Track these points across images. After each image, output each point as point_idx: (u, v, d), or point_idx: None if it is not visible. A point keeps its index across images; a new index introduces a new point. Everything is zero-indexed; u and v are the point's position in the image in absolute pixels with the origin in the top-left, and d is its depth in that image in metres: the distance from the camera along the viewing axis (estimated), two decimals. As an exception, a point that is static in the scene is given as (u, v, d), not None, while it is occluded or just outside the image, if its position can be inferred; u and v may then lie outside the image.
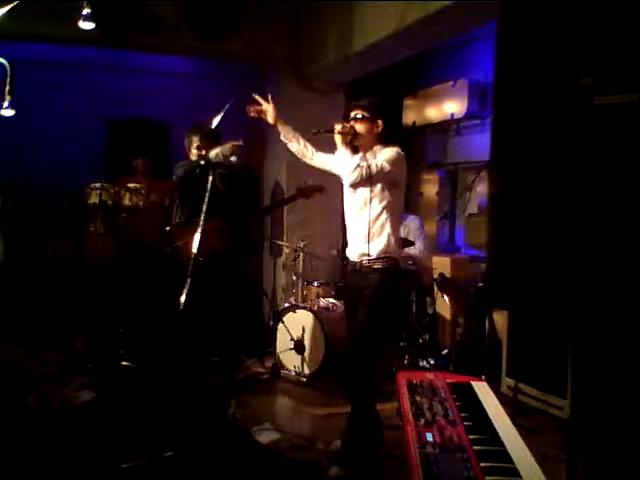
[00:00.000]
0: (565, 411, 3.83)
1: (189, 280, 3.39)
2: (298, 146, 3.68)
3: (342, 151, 3.37)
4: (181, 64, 6.39)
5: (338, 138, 3.37)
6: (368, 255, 3.38)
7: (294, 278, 5.54)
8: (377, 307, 3.38)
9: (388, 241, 3.37)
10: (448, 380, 1.99)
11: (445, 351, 5.11)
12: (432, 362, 4.91)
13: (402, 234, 5.35)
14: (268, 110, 3.66)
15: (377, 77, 5.84)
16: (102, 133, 6.16)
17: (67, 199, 5.57)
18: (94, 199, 5.06)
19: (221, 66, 6.39)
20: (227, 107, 3.92)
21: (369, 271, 3.38)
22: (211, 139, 4.22)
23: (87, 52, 5.61)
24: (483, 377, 4.06)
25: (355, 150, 3.37)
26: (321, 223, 5.95)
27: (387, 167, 3.30)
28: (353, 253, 3.48)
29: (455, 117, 5.82)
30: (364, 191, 3.38)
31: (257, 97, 3.69)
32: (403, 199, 3.57)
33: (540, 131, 1.47)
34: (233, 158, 4.13)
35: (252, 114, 3.70)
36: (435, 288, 5.17)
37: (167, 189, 4.93)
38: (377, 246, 3.37)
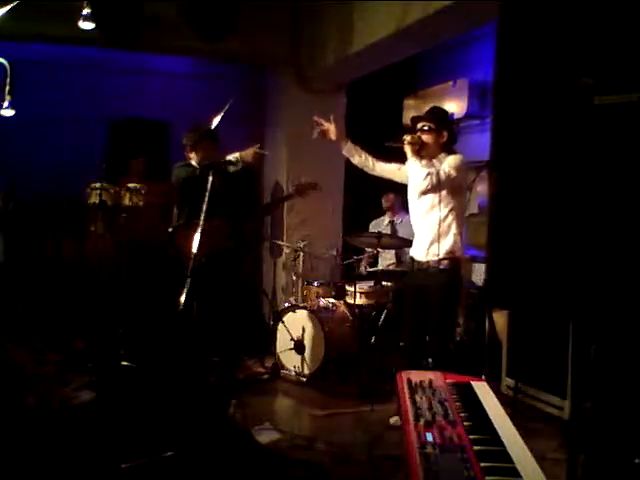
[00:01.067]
0: (565, 411, 3.83)
1: (189, 280, 3.39)
2: (360, 159, 3.94)
3: (412, 161, 3.60)
4: (181, 64, 6.39)
5: (408, 148, 3.60)
6: (437, 255, 3.60)
7: (294, 278, 5.54)
8: (449, 304, 3.66)
9: (455, 241, 3.62)
10: (448, 380, 1.99)
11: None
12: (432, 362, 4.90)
13: (402, 234, 5.37)
14: (331, 129, 3.90)
15: (377, 77, 5.84)
16: (102, 133, 6.16)
17: (67, 199, 5.57)
18: (94, 199, 5.06)
19: (221, 66, 6.39)
20: (227, 107, 3.93)
21: (436, 271, 3.61)
22: (209, 139, 4.23)
23: (87, 52, 5.61)
24: (483, 377, 4.06)
25: (421, 159, 3.60)
26: (321, 223, 5.95)
27: (453, 173, 3.54)
28: (420, 253, 3.71)
29: (455, 117, 5.81)
30: (431, 196, 3.63)
31: (318, 119, 3.92)
32: (465, 202, 3.86)
33: (540, 131, 1.47)
34: (233, 158, 4.13)
35: (317, 135, 3.92)
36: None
37: (164, 190, 4.93)
38: (445, 246, 3.60)
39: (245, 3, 5.21)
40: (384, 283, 5.15)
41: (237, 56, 5.94)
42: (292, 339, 4.84)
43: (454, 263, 3.63)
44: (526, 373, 4.17)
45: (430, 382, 1.94)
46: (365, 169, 3.99)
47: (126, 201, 5.10)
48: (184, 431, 3.38)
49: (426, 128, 3.68)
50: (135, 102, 6.12)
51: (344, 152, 3.96)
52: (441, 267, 3.60)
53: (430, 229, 3.64)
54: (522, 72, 1.50)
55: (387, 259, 5.63)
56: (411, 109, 6.43)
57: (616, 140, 1.36)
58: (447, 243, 3.61)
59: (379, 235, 4.73)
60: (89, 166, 5.43)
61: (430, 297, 3.63)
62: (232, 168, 4.09)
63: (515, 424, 1.69)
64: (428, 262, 3.65)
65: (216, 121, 4.03)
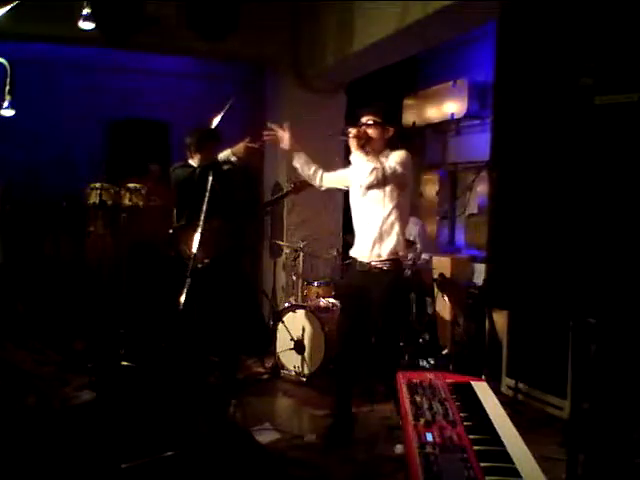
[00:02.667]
0: (565, 411, 3.84)
1: (189, 280, 3.39)
2: (309, 173, 3.78)
3: (357, 154, 3.48)
4: (181, 64, 6.39)
5: (352, 142, 3.48)
6: (379, 255, 3.48)
7: (294, 278, 5.54)
8: (392, 307, 3.52)
9: (397, 241, 3.48)
10: (448, 380, 1.99)
11: (445, 351, 5.11)
12: (432, 362, 4.91)
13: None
14: (284, 137, 3.74)
15: (377, 77, 5.84)
16: (102, 133, 6.16)
17: (67, 199, 5.58)
18: (94, 199, 5.07)
19: (221, 66, 6.39)
20: (227, 107, 3.92)
21: (379, 272, 3.48)
22: (213, 140, 4.22)
23: (87, 52, 5.61)
24: (483, 377, 4.06)
25: (366, 154, 3.48)
26: (321, 223, 5.95)
27: (399, 169, 3.42)
28: (362, 254, 3.56)
29: (455, 117, 5.81)
30: (375, 192, 3.50)
31: (273, 125, 3.80)
32: (409, 202, 3.68)
33: (540, 131, 1.47)
34: (233, 159, 4.13)
35: (266, 139, 3.80)
36: (435, 288, 5.17)
37: (167, 191, 4.94)
38: (387, 246, 3.47)
39: (245, 3, 5.22)
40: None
41: (237, 56, 5.94)
42: (292, 339, 4.84)
43: (397, 264, 3.51)
44: (526, 373, 4.17)
45: (430, 382, 1.94)
46: (313, 183, 3.84)
47: (126, 201, 5.10)
48: (184, 431, 3.38)
49: (371, 122, 3.53)
50: (135, 102, 6.12)
51: (294, 163, 3.77)
52: (384, 268, 3.46)
53: (373, 228, 3.49)
54: (522, 72, 1.50)
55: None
56: (411, 109, 6.44)
57: (616, 140, 1.36)
58: (390, 243, 3.46)
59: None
60: (89, 166, 5.44)
61: (374, 299, 3.47)
62: (225, 166, 4.08)
63: (515, 424, 1.69)
64: (370, 263, 3.50)
65: (216, 121, 4.03)
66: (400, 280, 3.58)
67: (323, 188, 3.84)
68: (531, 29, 1.48)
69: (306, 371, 4.79)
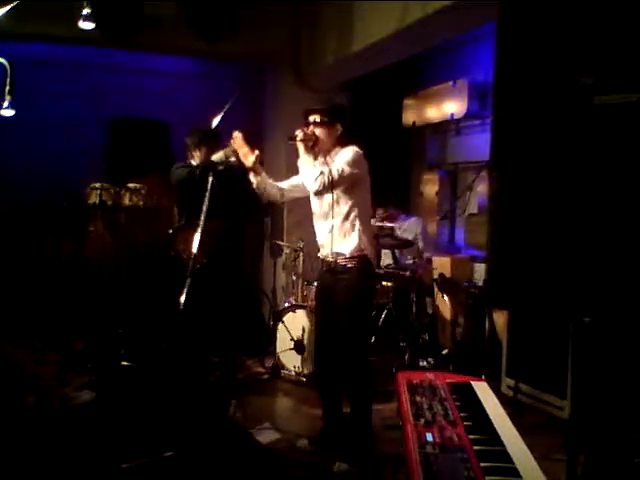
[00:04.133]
0: (565, 411, 3.83)
1: (189, 280, 3.39)
2: (270, 192, 3.66)
3: (305, 158, 3.36)
4: (181, 64, 6.39)
5: (300, 145, 3.37)
6: (342, 254, 3.40)
7: (294, 278, 5.54)
8: (355, 308, 3.40)
9: (360, 239, 3.39)
10: (448, 380, 1.99)
11: (445, 351, 5.11)
12: (432, 362, 4.91)
13: (402, 235, 5.38)
14: (250, 154, 3.54)
15: (377, 77, 5.84)
16: (102, 133, 6.16)
17: (67, 199, 5.57)
18: (94, 199, 5.06)
19: (221, 66, 6.39)
20: (227, 107, 3.92)
21: (343, 270, 3.40)
22: (213, 140, 4.22)
23: (87, 52, 5.62)
24: (483, 377, 4.06)
25: (315, 155, 3.37)
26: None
27: (347, 169, 3.30)
28: (327, 254, 3.49)
29: (455, 117, 5.81)
30: (329, 195, 3.38)
31: (242, 137, 3.61)
32: (369, 196, 3.56)
33: (540, 131, 1.47)
34: (233, 159, 4.13)
35: (234, 145, 3.60)
36: (435, 288, 5.17)
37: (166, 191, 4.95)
38: (350, 245, 3.39)
39: (245, 3, 5.22)
40: (384, 283, 5.15)
41: (237, 56, 5.94)
42: (292, 339, 4.84)
43: (362, 263, 3.39)
44: (526, 373, 4.17)
45: (430, 382, 1.94)
46: (277, 201, 3.81)
47: (126, 201, 5.10)
48: (184, 431, 3.38)
49: (318, 120, 3.43)
50: (135, 102, 6.12)
51: (254, 185, 3.61)
52: (349, 265, 3.38)
53: (334, 228, 3.41)
54: (522, 72, 1.50)
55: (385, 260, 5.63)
56: (411, 109, 6.44)
57: (616, 140, 1.36)
58: (352, 242, 3.38)
59: (379, 235, 4.73)
60: (89, 166, 5.44)
61: (339, 299, 3.40)
62: (221, 167, 4.07)
63: (515, 424, 1.69)
64: (336, 261, 3.42)
65: (216, 121, 4.02)
66: (365, 277, 3.43)
67: (287, 199, 3.74)
68: (531, 29, 1.48)
69: (306, 371, 4.79)
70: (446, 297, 4.88)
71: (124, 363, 4.60)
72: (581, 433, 1.89)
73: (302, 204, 5.96)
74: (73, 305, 5.33)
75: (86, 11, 4.19)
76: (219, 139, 4.26)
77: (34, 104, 5.43)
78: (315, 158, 3.36)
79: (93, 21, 4.25)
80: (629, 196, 1.35)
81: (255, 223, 6.31)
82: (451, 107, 5.80)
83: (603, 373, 2.42)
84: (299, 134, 3.37)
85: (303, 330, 4.84)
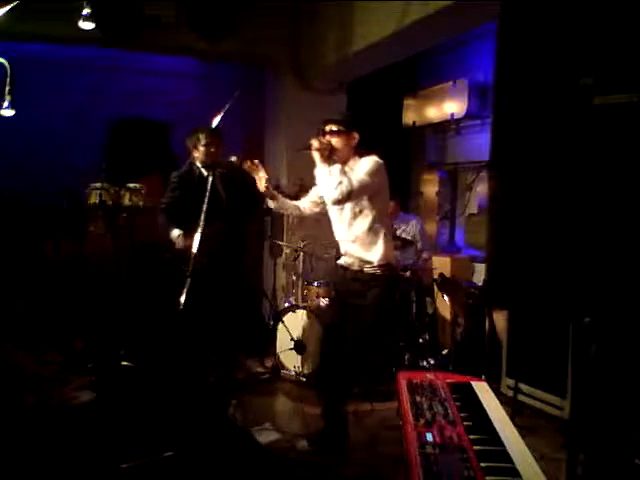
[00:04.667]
0: (565, 411, 3.84)
1: (189, 280, 3.39)
2: (291, 213, 3.76)
3: (321, 168, 3.33)
4: (181, 64, 6.39)
5: (316, 155, 3.34)
6: (369, 263, 3.41)
7: (294, 278, 5.54)
8: (380, 313, 3.43)
9: (385, 248, 3.41)
10: (448, 380, 1.99)
11: (445, 351, 5.11)
12: (432, 362, 4.91)
13: (401, 235, 5.37)
14: (262, 178, 3.56)
15: (377, 77, 5.84)
16: (102, 133, 6.16)
17: (67, 199, 5.57)
18: (94, 199, 5.06)
19: (221, 66, 6.39)
20: (227, 107, 3.92)
21: (370, 278, 3.39)
22: (213, 139, 4.22)
23: (87, 52, 5.61)
24: (483, 377, 4.06)
25: (333, 164, 3.34)
26: (321, 223, 5.94)
27: (367, 180, 3.28)
28: (352, 262, 3.49)
29: (455, 117, 5.81)
30: (350, 206, 3.39)
31: (257, 162, 3.62)
32: (388, 203, 3.59)
33: (540, 131, 1.47)
34: (233, 158, 4.13)
35: (246, 167, 3.61)
36: (435, 288, 5.17)
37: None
38: (376, 255, 3.40)
39: (245, 3, 5.21)
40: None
41: (237, 56, 5.93)
42: (292, 339, 4.84)
43: (388, 269, 3.41)
44: (526, 373, 4.17)
45: (430, 382, 1.94)
46: (300, 216, 3.85)
47: (126, 201, 5.10)
48: (184, 431, 3.39)
49: (335, 129, 3.39)
50: (135, 102, 6.12)
51: (272, 205, 3.65)
52: (377, 274, 3.38)
53: (358, 239, 3.42)
54: (522, 72, 1.50)
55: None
56: (411, 109, 6.44)
57: (616, 140, 1.36)
58: (378, 251, 3.39)
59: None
60: (89, 166, 5.43)
61: (365, 304, 3.39)
62: (220, 169, 4.06)
63: (515, 424, 1.69)
64: (362, 270, 3.43)
65: (216, 121, 4.02)
66: (391, 285, 3.48)
67: (310, 213, 3.74)
68: (531, 29, 1.48)
69: (306, 371, 4.79)
70: (446, 297, 4.87)
71: (124, 363, 4.60)
72: (581, 433, 1.89)
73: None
74: (73, 305, 5.33)
75: (86, 11, 4.19)
76: (220, 138, 4.26)
77: (34, 104, 5.43)
78: (330, 168, 3.32)
79: (93, 21, 4.25)
80: (629, 196, 1.35)
81: (255, 223, 6.31)
82: (451, 107, 5.81)
83: (603, 373, 2.42)
84: (314, 143, 3.34)
85: (303, 330, 4.84)
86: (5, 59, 4.04)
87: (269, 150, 6.52)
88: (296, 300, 5.39)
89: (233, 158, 4.07)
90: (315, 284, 5.40)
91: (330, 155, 3.36)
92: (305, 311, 4.86)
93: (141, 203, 5.11)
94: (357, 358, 3.49)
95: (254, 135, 6.55)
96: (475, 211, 5.65)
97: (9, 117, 4.16)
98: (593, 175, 1.39)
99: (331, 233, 5.73)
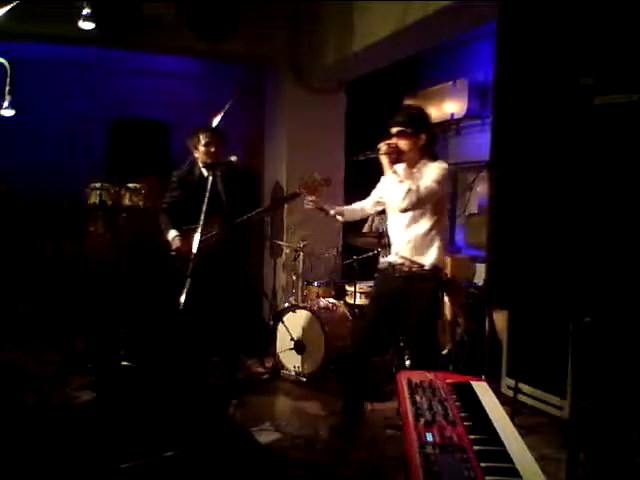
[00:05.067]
0: (565, 411, 3.83)
1: (189, 280, 3.39)
2: (356, 217, 3.89)
3: (389, 174, 3.31)
4: (181, 64, 6.39)
5: (384, 159, 3.31)
6: (420, 265, 3.42)
7: (294, 278, 5.54)
8: (430, 313, 3.49)
9: (438, 254, 3.41)
10: (448, 380, 1.99)
11: (445, 351, 5.11)
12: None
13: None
14: (315, 201, 3.68)
15: (377, 77, 5.84)
16: (102, 133, 6.16)
17: (67, 199, 5.57)
18: (94, 199, 5.06)
19: (221, 66, 6.39)
20: (227, 107, 3.92)
21: (418, 279, 3.42)
22: (217, 136, 4.22)
23: (87, 52, 5.61)
24: (483, 377, 4.06)
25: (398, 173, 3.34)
26: (321, 223, 5.93)
27: (436, 188, 3.24)
28: (402, 262, 3.50)
29: (455, 117, 5.81)
30: (413, 211, 3.40)
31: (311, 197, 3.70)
32: (446, 209, 3.61)
33: (540, 131, 1.47)
34: (233, 158, 4.13)
35: (307, 207, 3.72)
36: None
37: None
38: (428, 259, 3.41)
39: (245, 3, 5.21)
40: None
41: (237, 56, 5.93)
42: (292, 339, 4.84)
43: (436, 272, 3.44)
44: (526, 373, 4.16)
45: (430, 382, 1.94)
46: (365, 216, 3.96)
47: (126, 201, 5.10)
48: (184, 431, 3.39)
49: (402, 132, 3.33)
50: (135, 102, 6.11)
51: (336, 216, 3.78)
52: (424, 275, 3.41)
53: (412, 243, 3.44)
54: (522, 72, 1.50)
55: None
56: (411, 109, 6.43)
57: (616, 140, 1.36)
58: (431, 256, 3.40)
59: (379, 235, 4.73)
60: (89, 166, 5.43)
61: (410, 302, 3.43)
62: (219, 169, 4.06)
63: (515, 424, 1.69)
64: (411, 269, 3.44)
65: (216, 121, 4.02)
66: (437, 287, 3.50)
67: (372, 211, 3.88)
68: (531, 29, 1.48)
69: (306, 371, 4.79)
70: (446, 297, 4.87)
71: (124, 363, 4.60)
72: (581, 433, 1.89)
73: (302, 204, 5.94)
74: (73, 305, 5.33)
75: (86, 11, 4.19)
76: (221, 138, 4.26)
77: (34, 104, 5.43)
78: (398, 176, 3.32)
79: (93, 21, 4.25)
80: (629, 196, 1.34)
81: (255, 223, 6.31)
82: (451, 107, 5.81)
83: (603, 373, 2.42)
84: (382, 147, 3.30)
85: (303, 330, 4.84)
86: (5, 59, 4.04)
87: (269, 150, 6.52)
88: (296, 300, 5.39)
89: (233, 158, 4.07)
90: (315, 284, 5.41)
91: (398, 158, 3.33)
92: (305, 311, 4.86)
93: (141, 203, 5.11)
94: (429, 355, 3.53)
95: (254, 135, 6.55)
96: (475, 211, 5.64)
97: (9, 117, 4.16)
98: (593, 175, 1.39)
99: (331, 233, 5.73)
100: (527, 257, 1.50)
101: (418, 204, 3.24)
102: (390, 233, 3.64)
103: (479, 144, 5.65)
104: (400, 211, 3.34)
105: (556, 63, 1.44)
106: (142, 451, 3.14)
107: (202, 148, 4.19)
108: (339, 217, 3.77)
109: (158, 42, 5.31)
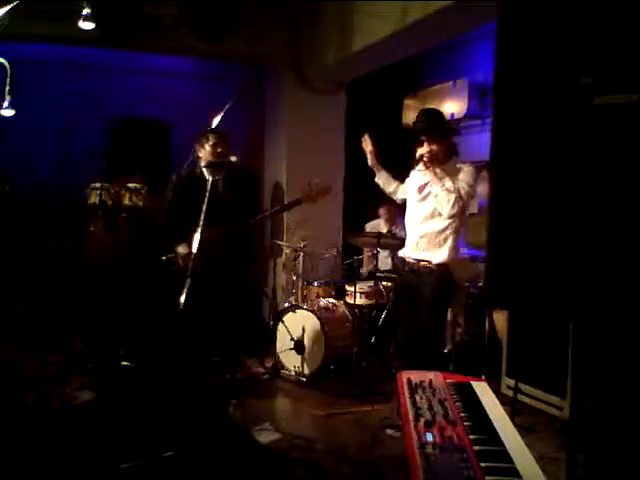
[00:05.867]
0: (565, 411, 3.83)
1: (189, 280, 3.39)
2: (390, 190, 3.98)
3: (434, 180, 3.51)
4: (181, 64, 6.39)
5: (426, 164, 3.54)
6: (429, 262, 3.55)
7: (294, 278, 5.54)
8: (436, 307, 3.57)
9: (449, 253, 3.54)
10: (448, 380, 1.99)
11: (445, 351, 5.11)
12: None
13: (401, 235, 5.37)
14: (371, 153, 3.89)
15: (377, 77, 5.84)
16: (102, 133, 6.16)
17: (67, 199, 5.58)
18: (94, 199, 5.07)
19: (221, 66, 6.40)
20: (227, 107, 3.92)
21: (426, 272, 3.55)
22: (225, 139, 4.21)
23: (87, 52, 5.61)
24: (483, 377, 4.06)
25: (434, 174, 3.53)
26: (321, 223, 5.95)
27: (472, 192, 3.51)
28: (413, 256, 3.64)
29: (455, 117, 5.81)
30: (432, 202, 3.55)
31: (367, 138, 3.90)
32: (467, 209, 3.72)
33: (540, 131, 1.47)
34: (233, 158, 4.12)
35: (366, 144, 3.91)
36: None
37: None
38: (438, 257, 3.54)
39: (245, 3, 5.22)
40: (384, 283, 5.15)
41: (237, 56, 5.94)
42: (292, 339, 4.84)
43: (444, 269, 3.55)
44: (526, 373, 4.17)
45: (430, 382, 1.94)
46: (393, 197, 4.05)
47: (126, 201, 5.10)
48: (184, 431, 3.38)
49: (431, 137, 3.58)
50: (135, 102, 6.12)
51: (377, 180, 3.97)
52: (432, 270, 3.54)
53: (424, 237, 3.57)
54: (522, 72, 1.50)
55: (386, 263, 5.63)
56: (411, 109, 6.44)
57: (616, 140, 1.36)
58: (442, 254, 3.53)
59: (379, 235, 4.73)
60: (89, 166, 5.43)
61: (421, 298, 3.57)
62: (221, 167, 4.05)
63: (515, 424, 1.69)
64: (419, 264, 3.59)
65: (216, 121, 4.02)
66: (445, 283, 3.58)
67: (399, 197, 3.97)
68: (531, 29, 1.48)
69: (306, 371, 4.79)
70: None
71: (124, 363, 4.60)
72: (581, 433, 1.89)
73: (302, 204, 5.94)
74: (73, 305, 5.33)
75: (86, 11, 4.19)
76: (227, 141, 4.24)
77: (34, 104, 5.43)
78: (435, 177, 3.51)
79: (93, 21, 4.25)
80: (629, 196, 1.34)
81: (257, 224, 6.30)
82: (451, 107, 5.81)
83: (603, 373, 2.42)
84: (424, 155, 3.54)
85: (303, 330, 4.84)
86: (5, 59, 4.04)
87: (269, 150, 6.52)
88: (296, 300, 5.39)
89: (233, 158, 4.07)
90: (315, 284, 5.41)
91: (432, 162, 3.54)
92: (305, 311, 4.86)
93: (141, 203, 5.11)
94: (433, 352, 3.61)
95: (254, 135, 6.55)
96: (475, 211, 5.64)
97: (9, 117, 4.16)
98: (593, 175, 1.39)
99: (331, 233, 5.74)
100: (527, 257, 1.50)
101: (462, 208, 3.48)
102: (407, 227, 3.78)
103: (479, 144, 5.65)
104: (448, 217, 3.51)
105: (556, 63, 1.44)
106: (142, 451, 3.14)
107: (209, 148, 4.17)
108: (378, 176, 3.95)
109: (158, 42, 5.31)
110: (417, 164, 3.60)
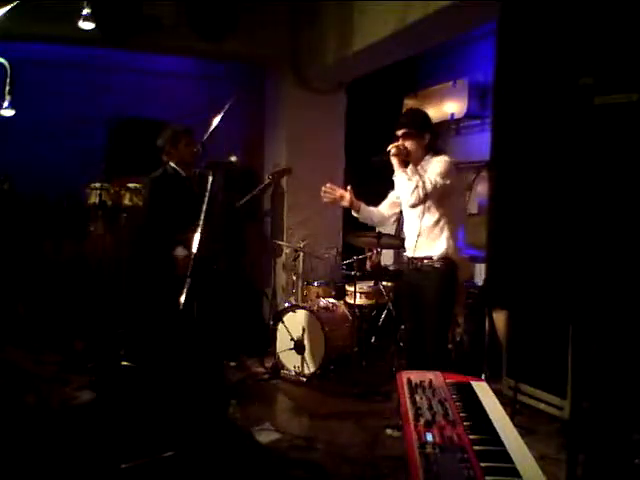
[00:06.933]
0: (565, 411, 3.83)
1: (189, 280, 3.38)
2: (376, 221, 3.91)
3: (399, 174, 3.48)
4: (181, 64, 6.39)
5: (394, 160, 3.48)
6: (429, 257, 3.54)
7: (294, 278, 5.54)
8: (443, 304, 3.54)
9: (448, 244, 3.52)
10: (448, 380, 1.99)
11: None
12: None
13: (401, 234, 5.37)
14: (345, 197, 3.73)
15: (377, 77, 5.84)
16: (102, 133, 6.16)
17: (67, 199, 5.57)
18: (94, 199, 5.06)
19: (221, 66, 6.39)
20: (227, 107, 3.91)
21: (428, 270, 3.54)
22: (189, 136, 4.17)
23: (87, 52, 5.61)
24: (483, 377, 4.06)
25: (406, 165, 3.49)
26: (321, 223, 5.95)
27: (440, 182, 3.39)
28: (415, 254, 3.63)
29: (455, 117, 5.81)
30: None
31: (331, 185, 3.75)
32: (463, 201, 3.72)
33: (540, 131, 1.47)
34: (233, 158, 4.12)
35: (326, 200, 3.76)
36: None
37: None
38: (437, 250, 3.52)
39: (245, 3, 5.22)
40: (384, 283, 5.15)
41: (237, 56, 5.94)
42: (292, 339, 4.84)
43: (449, 264, 3.54)
44: (526, 373, 4.16)
45: (430, 382, 1.94)
46: (387, 223, 4.03)
47: (126, 201, 5.10)
48: (184, 431, 3.38)
49: (407, 133, 3.53)
50: (135, 102, 6.12)
51: (359, 217, 3.85)
52: (436, 265, 3.53)
53: (422, 234, 3.57)
54: (522, 72, 1.50)
55: (387, 260, 5.63)
56: (411, 109, 6.43)
57: (616, 140, 1.36)
58: (440, 247, 3.52)
59: (379, 235, 4.73)
60: (89, 166, 5.43)
61: (425, 297, 3.56)
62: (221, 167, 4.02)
63: (515, 424, 1.69)
64: (422, 262, 3.58)
65: (216, 121, 4.01)
66: (449, 279, 3.56)
67: (391, 214, 3.88)
68: (531, 29, 1.48)
69: (306, 371, 4.79)
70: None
71: (124, 363, 4.60)
72: (581, 433, 1.89)
73: (302, 204, 5.97)
74: (73, 305, 5.33)
75: (86, 11, 4.19)
76: (193, 134, 4.19)
77: (34, 104, 5.43)
78: (405, 173, 3.46)
79: (93, 21, 4.25)
80: (629, 196, 1.34)
81: (255, 223, 6.31)
82: (451, 107, 5.81)
83: (603, 373, 2.42)
84: (392, 150, 3.48)
85: (303, 330, 4.84)
86: (5, 59, 4.04)
87: (269, 150, 6.52)
88: (296, 300, 5.39)
89: (233, 158, 4.07)
90: (315, 284, 5.41)
91: (407, 158, 3.50)
92: (305, 311, 4.86)
93: (141, 203, 5.11)
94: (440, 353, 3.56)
95: (254, 135, 6.55)
96: (475, 211, 5.64)
97: (9, 117, 4.16)
98: (593, 175, 1.39)
99: (331, 233, 5.76)
100: (527, 257, 1.50)
101: (425, 198, 3.39)
102: (405, 229, 3.78)
103: (479, 144, 5.65)
104: (410, 206, 3.51)
105: (556, 63, 1.44)
106: (142, 451, 3.14)
107: (184, 148, 4.10)
108: (354, 213, 3.84)
109: (158, 42, 5.31)
110: (386, 157, 3.53)
